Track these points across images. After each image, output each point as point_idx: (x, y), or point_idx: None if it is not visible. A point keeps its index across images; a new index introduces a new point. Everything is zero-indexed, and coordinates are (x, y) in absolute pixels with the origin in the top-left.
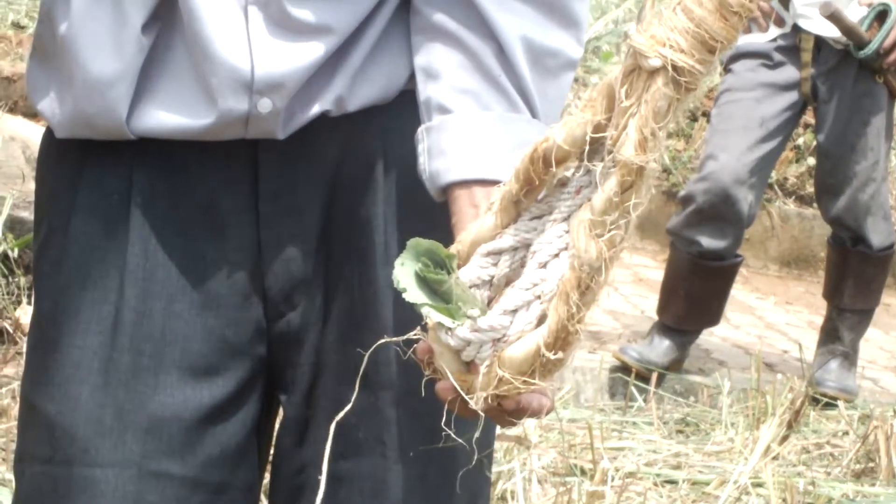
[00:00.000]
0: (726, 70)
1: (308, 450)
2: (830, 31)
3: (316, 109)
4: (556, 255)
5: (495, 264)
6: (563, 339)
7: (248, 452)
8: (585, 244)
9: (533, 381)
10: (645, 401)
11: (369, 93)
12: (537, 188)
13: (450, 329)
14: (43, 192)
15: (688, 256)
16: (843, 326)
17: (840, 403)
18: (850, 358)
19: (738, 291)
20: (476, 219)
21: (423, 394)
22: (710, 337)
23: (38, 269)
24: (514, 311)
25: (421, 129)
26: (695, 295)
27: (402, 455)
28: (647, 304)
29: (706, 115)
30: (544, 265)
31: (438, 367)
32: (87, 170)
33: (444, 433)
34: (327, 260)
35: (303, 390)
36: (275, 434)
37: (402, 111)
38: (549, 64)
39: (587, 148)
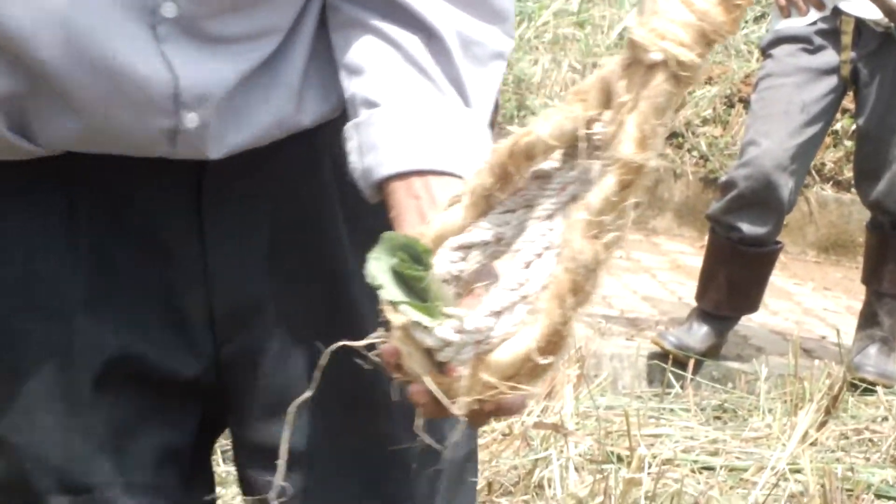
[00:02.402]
0: (765, 55)
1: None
2: (872, 13)
3: (251, 132)
4: (540, 255)
5: (464, 259)
6: (554, 344)
7: (199, 459)
8: (581, 246)
9: (519, 385)
10: (682, 387)
11: (313, 110)
12: (511, 181)
13: (427, 328)
14: None
15: (728, 242)
16: (882, 311)
17: (879, 388)
18: (889, 343)
19: (776, 277)
20: (420, 210)
21: (395, 399)
22: (748, 323)
23: None
24: (500, 313)
25: (348, 126)
26: (734, 281)
27: (407, 470)
28: (685, 291)
29: (742, 101)
30: (528, 265)
31: (409, 369)
32: (20, 187)
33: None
34: (279, 280)
35: (262, 414)
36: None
37: (345, 120)
38: (478, 53)
39: (579, 144)
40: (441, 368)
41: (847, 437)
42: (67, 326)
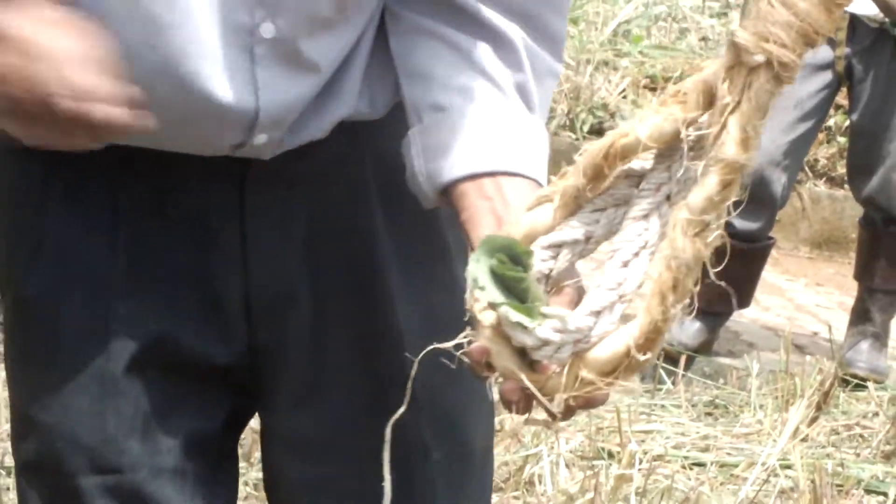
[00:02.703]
0: None
1: (315, 470)
2: (866, 9)
3: (307, 136)
4: (637, 255)
5: (555, 257)
6: (652, 340)
7: (226, 448)
8: (683, 244)
9: (616, 381)
10: (673, 383)
11: (365, 114)
12: (602, 181)
13: (527, 329)
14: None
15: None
16: (874, 307)
17: (870, 384)
18: (881, 339)
19: (769, 273)
20: (494, 211)
21: (446, 394)
22: (739, 319)
23: (8, 276)
24: (599, 313)
25: (413, 132)
26: (726, 277)
27: (427, 457)
28: None
29: None
30: (626, 264)
31: (500, 367)
32: (62, 172)
33: (462, 429)
34: (316, 272)
35: (291, 404)
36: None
37: (388, 120)
38: (538, 65)
39: (681, 145)
40: (532, 366)
41: (838, 433)
42: (106, 311)
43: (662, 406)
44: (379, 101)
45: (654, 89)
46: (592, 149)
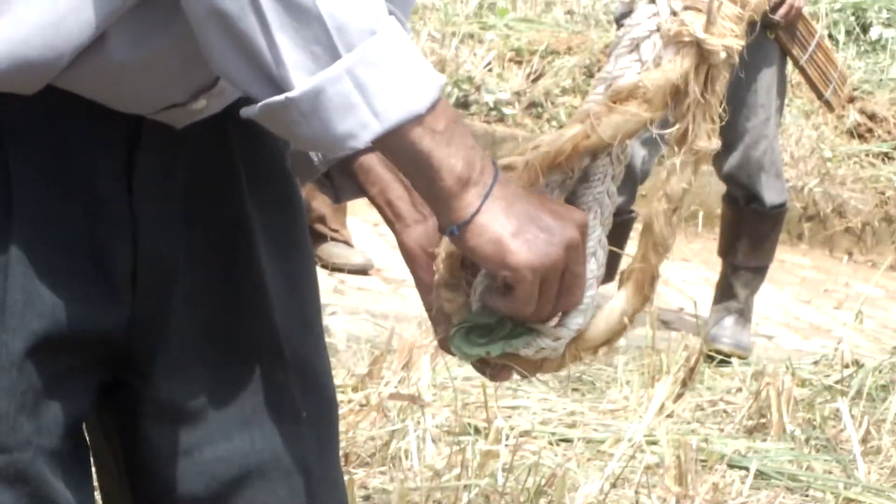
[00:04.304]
0: (619, 26)
1: (188, 436)
2: None
3: (220, 106)
4: (600, 241)
5: None
6: (641, 309)
7: (83, 425)
8: (666, 232)
9: (605, 348)
10: None
11: None
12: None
13: (527, 344)
14: None
15: None
16: (737, 283)
17: (734, 360)
18: (744, 315)
19: (635, 248)
20: (404, 182)
21: (309, 354)
22: (605, 293)
23: None
24: (584, 309)
25: None
26: None
27: (297, 417)
28: None
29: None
30: (594, 254)
31: (496, 360)
32: None
33: (324, 387)
34: (192, 238)
35: (172, 372)
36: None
37: None
38: (406, 28)
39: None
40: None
41: (702, 409)
42: (2, 278)
43: (529, 381)
44: None
45: (519, 62)
46: (550, 150)
